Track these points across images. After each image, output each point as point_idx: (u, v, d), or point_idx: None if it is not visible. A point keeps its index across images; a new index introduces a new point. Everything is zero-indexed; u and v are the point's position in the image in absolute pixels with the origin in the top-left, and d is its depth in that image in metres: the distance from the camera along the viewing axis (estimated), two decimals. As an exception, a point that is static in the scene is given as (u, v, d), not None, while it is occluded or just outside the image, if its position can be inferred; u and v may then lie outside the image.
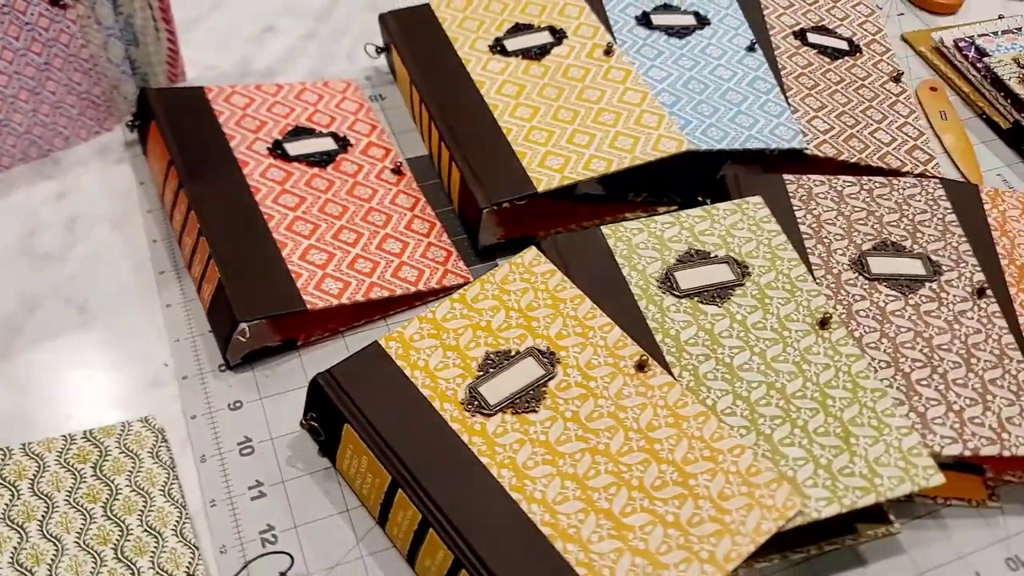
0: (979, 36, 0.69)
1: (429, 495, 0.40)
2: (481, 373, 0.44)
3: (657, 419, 0.43)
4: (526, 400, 0.43)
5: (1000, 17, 0.74)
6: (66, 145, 0.57)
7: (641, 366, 0.44)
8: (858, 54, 0.66)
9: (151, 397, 0.47)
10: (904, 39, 0.73)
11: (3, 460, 0.41)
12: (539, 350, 0.45)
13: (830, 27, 0.68)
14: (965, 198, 0.56)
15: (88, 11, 0.53)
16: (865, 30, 0.68)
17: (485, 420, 0.42)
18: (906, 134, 0.61)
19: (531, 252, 0.49)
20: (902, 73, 0.65)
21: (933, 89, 0.69)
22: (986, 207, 0.56)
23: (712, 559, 0.39)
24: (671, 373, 0.45)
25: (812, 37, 0.66)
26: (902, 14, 0.76)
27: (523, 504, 0.40)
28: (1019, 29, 0.71)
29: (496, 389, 0.43)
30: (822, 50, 0.65)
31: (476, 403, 0.43)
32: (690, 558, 0.39)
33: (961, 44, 0.69)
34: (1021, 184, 0.63)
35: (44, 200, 0.55)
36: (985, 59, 0.67)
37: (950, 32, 0.71)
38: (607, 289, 0.48)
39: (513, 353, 0.45)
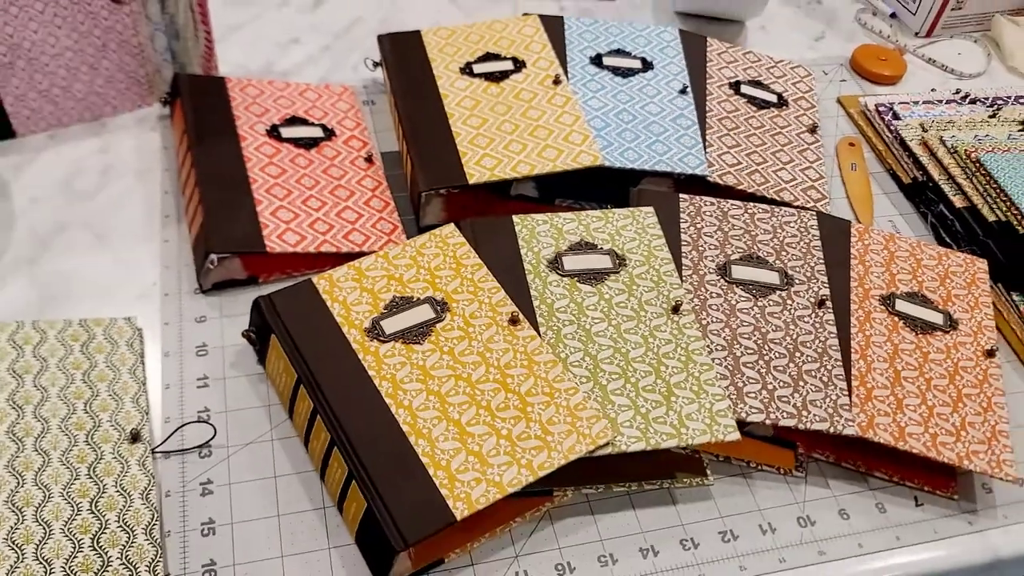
0: (899, 103, 0.79)
1: (322, 391, 0.51)
2: (385, 311, 0.55)
3: (515, 361, 0.53)
4: (414, 334, 0.54)
5: (932, 90, 0.83)
6: (114, 113, 0.72)
7: (514, 320, 0.55)
8: (784, 107, 0.76)
9: (138, 305, 0.60)
10: (839, 101, 0.83)
11: (16, 329, 0.55)
12: (435, 299, 0.56)
13: (765, 82, 0.78)
14: (835, 230, 0.65)
15: (140, 8, 0.67)
16: (797, 89, 0.79)
17: (380, 345, 0.54)
18: (807, 176, 0.71)
19: (449, 227, 0.61)
20: (818, 126, 0.75)
21: (851, 144, 0.78)
22: (852, 239, 0.65)
23: (528, 465, 0.49)
24: (538, 331, 0.55)
25: (745, 88, 0.77)
26: (844, 80, 0.85)
27: (393, 408, 0.51)
28: (939, 101, 0.80)
29: (393, 324, 0.55)
30: (751, 100, 0.76)
31: (375, 332, 0.54)
32: (511, 462, 0.49)
33: (881, 108, 0.79)
34: (907, 231, 0.72)
35: (89, 152, 0.69)
36: (896, 122, 0.77)
37: (876, 98, 0.80)
38: (505, 263, 0.59)
39: (414, 299, 0.56)
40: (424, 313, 0.56)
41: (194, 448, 0.53)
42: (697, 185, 0.69)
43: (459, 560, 0.50)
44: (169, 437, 0.53)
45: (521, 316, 0.55)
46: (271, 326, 0.54)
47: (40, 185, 0.66)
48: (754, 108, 0.75)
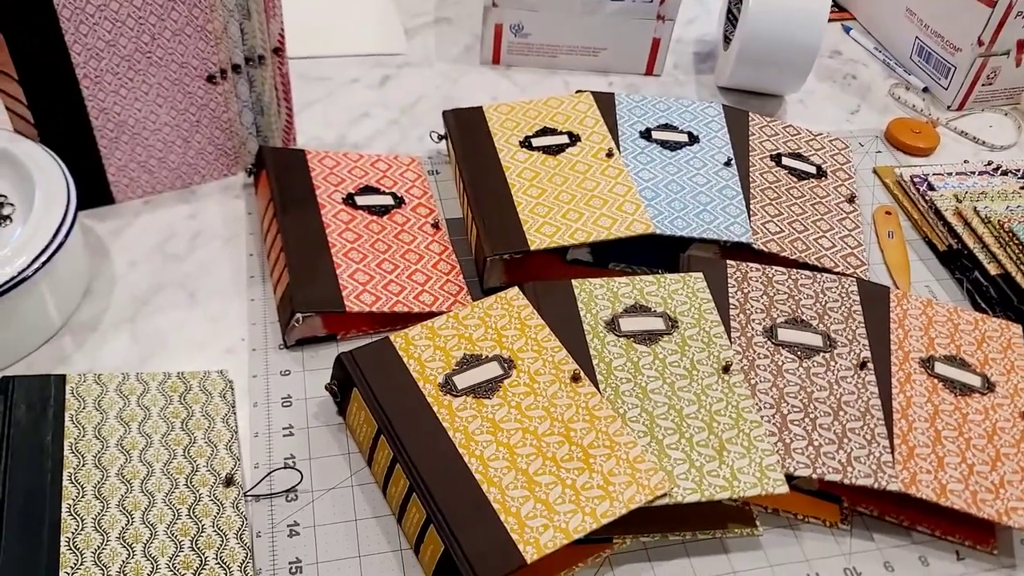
0: (933, 174, 0.83)
1: (400, 441, 0.56)
2: (457, 367, 0.60)
3: (577, 416, 0.58)
4: (484, 390, 0.59)
5: (965, 162, 0.87)
6: (202, 181, 0.78)
7: (575, 378, 0.60)
8: (823, 178, 0.81)
9: (228, 359, 0.65)
10: (875, 171, 0.87)
11: (122, 381, 0.60)
12: (502, 357, 0.61)
13: (804, 154, 0.83)
14: (875, 295, 0.69)
15: (232, 88, 0.74)
16: (835, 161, 0.83)
17: (452, 399, 0.58)
18: (846, 244, 0.75)
19: (514, 290, 0.66)
20: (856, 196, 0.79)
21: (888, 213, 0.82)
22: (892, 304, 0.69)
23: (592, 513, 0.53)
24: (597, 387, 0.60)
25: (786, 160, 0.82)
26: (880, 152, 0.90)
27: (465, 457, 0.55)
28: (972, 172, 0.84)
29: (465, 379, 0.59)
30: (791, 171, 0.81)
31: (448, 387, 0.59)
32: (576, 510, 0.53)
33: (916, 179, 0.83)
34: (944, 296, 0.76)
35: (180, 218, 0.75)
36: (931, 192, 0.81)
37: (911, 169, 0.85)
38: (565, 324, 0.64)
39: (483, 357, 0.61)
40: (493, 370, 0.60)
41: (282, 492, 0.57)
42: (742, 251, 0.74)
43: (526, 602, 0.54)
44: (260, 482, 0.57)
45: (582, 374, 0.60)
46: (353, 380, 0.59)
47: (136, 248, 0.73)
48: (795, 179, 0.80)
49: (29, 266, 0.60)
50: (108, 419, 0.58)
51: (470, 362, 0.61)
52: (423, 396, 0.58)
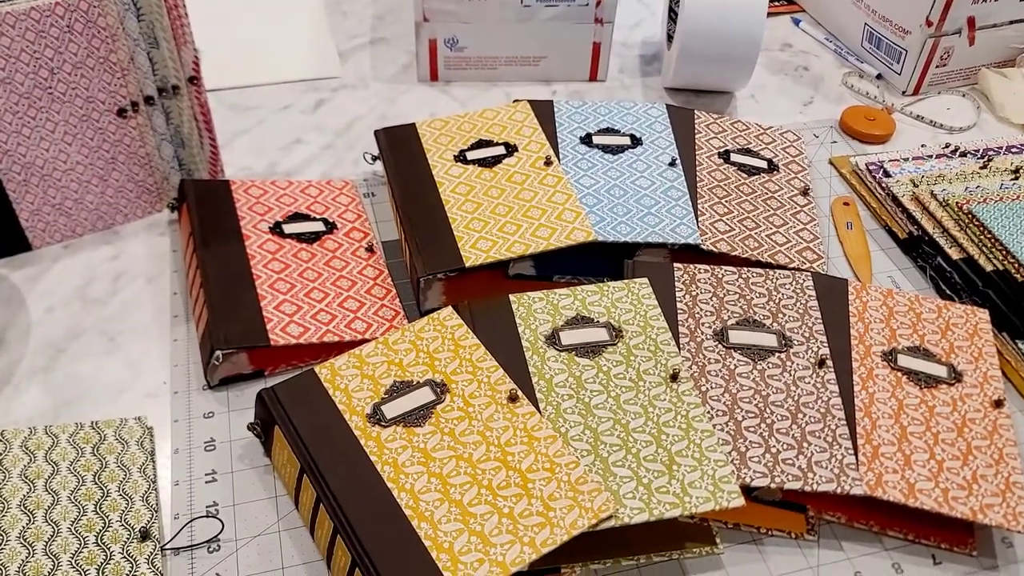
0: (889, 160, 0.80)
1: (324, 479, 0.52)
2: (386, 396, 0.56)
3: (515, 438, 0.54)
4: (415, 417, 0.55)
5: (922, 146, 0.84)
6: (125, 220, 0.75)
7: (512, 398, 0.56)
8: (775, 172, 0.78)
9: (149, 404, 0.61)
10: (831, 162, 0.84)
11: (29, 435, 0.56)
12: (434, 381, 0.57)
13: (754, 149, 0.80)
14: (832, 289, 0.66)
15: (146, 120, 0.71)
16: (787, 153, 0.80)
17: (381, 430, 0.54)
18: (801, 238, 0.72)
19: (447, 310, 0.62)
20: (810, 188, 0.76)
21: (846, 204, 0.79)
22: (850, 297, 0.65)
23: (531, 543, 0.49)
24: (537, 407, 0.56)
25: (735, 156, 0.78)
26: (835, 142, 0.87)
27: (395, 492, 0.51)
28: (929, 156, 0.81)
29: (394, 408, 0.56)
30: (741, 167, 0.78)
31: (377, 417, 0.55)
32: (514, 540, 0.49)
33: (871, 167, 0.80)
34: (907, 285, 0.72)
35: (102, 260, 0.72)
36: (887, 179, 0.78)
37: (867, 157, 0.82)
38: (502, 341, 0.60)
39: (414, 383, 0.57)
40: (424, 396, 0.56)
41: (203, 543, 0.53)
42: (692, 253, 0.70)
43: (468, 645, 0.49)
44: (177, 534, 0.53)
45: (520, 393, 0.56)
46: (274, 417, 0.55)
47: (55, 293, 0.69)
48: (744, 175, 0.77)
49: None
50: (10, 478, 0.53)
51: (400, 389, 0.57)
52: (349, 429, 0.54)
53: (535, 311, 0.62)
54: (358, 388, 0.57)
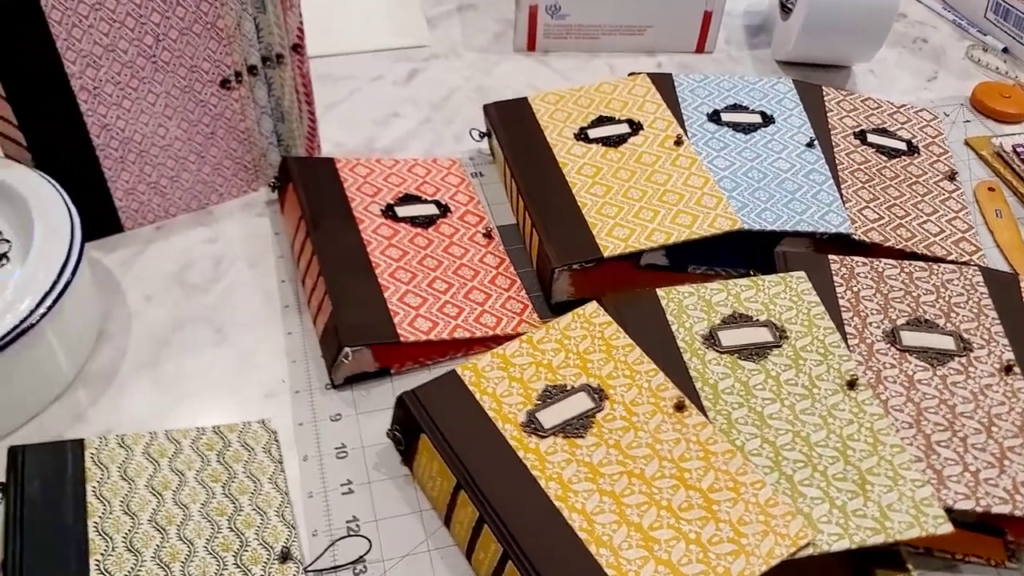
0: (1037, 142, 0.74)
1: (486, 497, 0.47)
2: (540, 402, 0.51)
3: (689, 452, 0.49)
4: (575, 427, 0.50)
5: (1064, 126, 0.78)
6: (220, 200, 0.69)
7: (679, 407, 0.51)
8: (916, 154, 0.72)
9: (268, 405, 0.56)
10: (967, 144, 0.78)
11: (149, 441, 0.51)
12: (591, 387, 0.52)
13: (890, 130, 0.74)
14: (1004, 285, 0.60)
15: (248, 92, 0.65)
16: (925, 133, 0.74)
17: (539, 440, 0.50)
18: (955, 227, 0.66)
19: (592, 305, 0.57)
20: (957, 172, 0.70)
21: (991, 189, 0.73)
22: None
23: (727, 574, 0.44)
24: (706, 416, 0.51)
25: (872, 137, 0.73)
26: (968, 121, 0.81)
27: (565, 512, 0.47)
28: (1078, 138, 0.75)
29: (551, 416, 0.51)
30: (880, 149, 0.72)
31: (533, 426, 0.50)
32: (707, 571, 0.44)
33: (1019, 148, 0.74)
34: (1069, 279, 0.67)
35: (198, 243, 0.66)
36: (1039, 163, 0.72)
37: (1010, 138, 0.76)
38: (656, 341, 0.55)
39: (568, 387, 0.52)
40: (582, 403, 0.51)
41: (348, 564, 0.49)
42: (837, 244, 0.65)
43: None
44: (322, 555, 0.49)
45: (687, 401, 0.51)
46: (420, 425, 0.50)
47: (152, 280, 0.64)
48: (884, 157, 0.71)
49: (34, 311, 0.51)
50: (137, 489, 0.49)
51: (554, 394, 0.52)
52: (504, 439, 0.50)
53: (686, 307, 0.57)
54: (507, 392, 0.52)
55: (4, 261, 0.57)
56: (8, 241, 0.58)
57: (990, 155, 0.76)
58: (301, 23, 0.65)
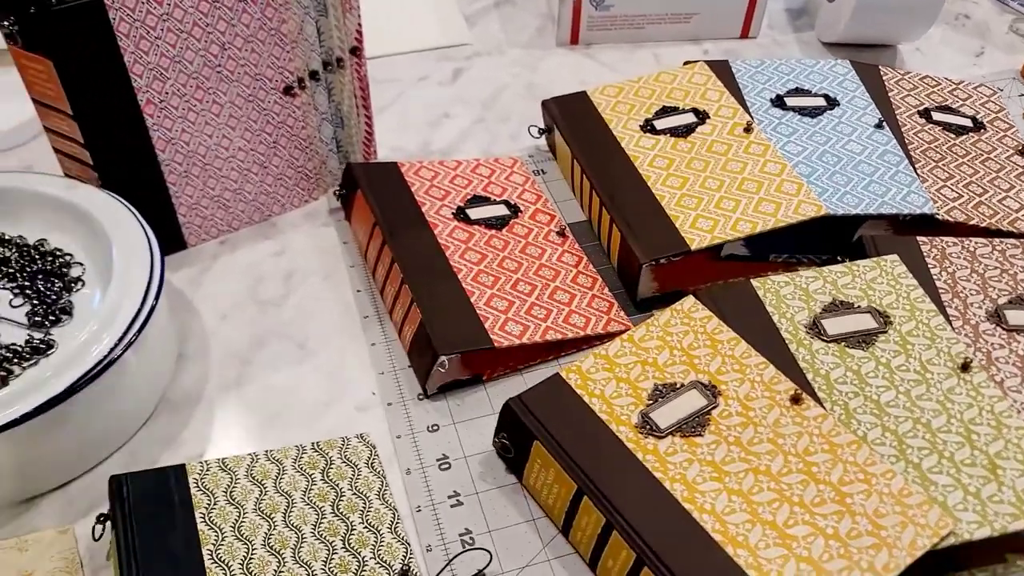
0: (1101, 113, 0.74)
1: (611, 501, 0.46)
2: (651, 402, 0.50)
3: (813, 445, 0.48)
4: (692, 425, 0.49)
5: (1122, 96, 0.77)
6: (282, 211, 0.68)
7: (796, 399, 0.50)
8: (982, 131, 0.71)
9: (362, 419, 0.55)
10: (1026, 117, 0.78)
11: (251, 463, 0.50)
12: (702, 383, 0.51)
13: (953, 107, 0.73)
14: (1096, 259, 0.59)
15: (310, 98, 0.64)
16: (987, 109, 0.73)
17: (657, 441, 0.48)
18: (1033, 202, 0.65)
19: (690, 300, 0.55)
20: (1027, 147, 0.69)
21: (1058, 162, 0.72)
22: (1117, 267, 0.59)
23: (872, 568, 0.43)
24: (823, 407, 0.50)
25: (936, 115, 0.72)
26: (1023, 95, 0.80)
27: (695, 513, 0.45)
28: None
29: (665, 415, 0.49)
30: (947, 127, 0.71)
31: (648, 427, 0.49)
32: (851, 567, 0.43)
33: (1084, 120, 0.73)
34: None
35: (265, 256, 0.65)
36: (1108, 134, 0.71)
37: (1072, 110, 0.75)
38: (759, 334, 0.54)
39: (678, 385, 0.51)
40: (695, 400, 0.50)
41: (469, 579, 0.47)
42: (914, 225, 0.64)
43: None
44: (442, 570, 0.47)
45: (803, 393, 0.50)
46: (532, 431, 0.49)
47: (223, 296, 0.62)
48: (952, 136, 0.70)
49: (121, 338, 0.49)
50: (246, 514, 0.47)
51: (665, 393, 0.50)
52: (620, 442, 0.48)
53: (784, 297, 0.56)
54: (616, 394, 0.50)
55: (80, 285, 0.55)
56: (81, 264, 0.56)
57: (1053, 128, 0.75)
58: (360, 25, 0.63)
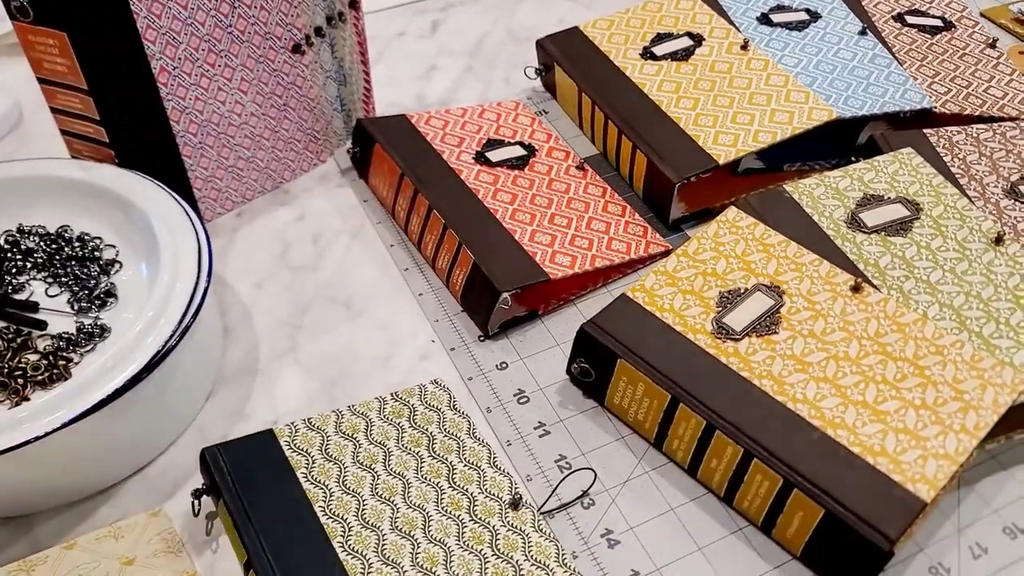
0: (1055, 3, 0.78)
1: (708, 405, 0.47)
2: (720, 308, 0.51)
3: (882, 327, 0.50)
4: (766, 324, 0.50)
5: (1065, -13, 0.82)
6: (292, 177, 0.66)
7: (856, 288, 0.52)
8: (953, 29, 0.75)
9: (428, 367, 0.54)
10: (984, 15, 0.82)
11: (338, 420, 0.49)
12: (764, 285, 0.52)
13: (922, 9, 0.76)
14: (1085, 132, 0.63)
15: (316, 56, 0.62)
16: (952, 9, 0.77)
17: (735, 344, 0.50)
18: (1016, 88, 0.69)
19: (732, 211, 0.57)
20: (997, 39, 0.73)
21: (1022, 53, 0.77)
22: (1105, 138, 0.63)
23: (964, 429, 0.45)
24: (881, 292, 0.52)
25: (910, 19, 0.75)
26: (976, -6, 0.84)
27: (789, 404, 0.47)
28: (1088, -6, 0.79)
29: (737, 319, 0.51)
30: (921, 28, 0.74)
31: (724, 332, 0.50)
32: (945, 431, 0.45)
33: (1040, 11, 0.78)
34: (1121, 122, 0.71)
35: (287, 223, 0.63)
36: (1066, 20, 0.76)
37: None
38: (804, 233, 0.55)
39: (742, 291, 0.52)
40: (762, 302, 0.51)
41: (575, 500, 0.48)
42: (910, 122, 0.67)
43: (907, 548, 0.46)
44: (553, 493, 0.47)
45: (862, 282, 0.52)
46: (614, 351, 0.49)
47: (253, 267, 0.60)
48: (928, 36, 0.73)
49: (182, 317, 0.47)
50: (347, 468, 0.46)
51: (732, 299, 0.52)
52: (702, 349, 0.49)
53: (818, 197, 0.58)
54: (684, 305, 0.51)
55: (117, 267, 0.53)
56: (113, 246, 0.54)
57: (1010, 22, 0.80)
58: (355, -24, 0.62)
